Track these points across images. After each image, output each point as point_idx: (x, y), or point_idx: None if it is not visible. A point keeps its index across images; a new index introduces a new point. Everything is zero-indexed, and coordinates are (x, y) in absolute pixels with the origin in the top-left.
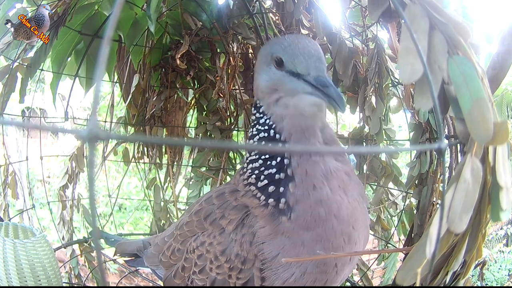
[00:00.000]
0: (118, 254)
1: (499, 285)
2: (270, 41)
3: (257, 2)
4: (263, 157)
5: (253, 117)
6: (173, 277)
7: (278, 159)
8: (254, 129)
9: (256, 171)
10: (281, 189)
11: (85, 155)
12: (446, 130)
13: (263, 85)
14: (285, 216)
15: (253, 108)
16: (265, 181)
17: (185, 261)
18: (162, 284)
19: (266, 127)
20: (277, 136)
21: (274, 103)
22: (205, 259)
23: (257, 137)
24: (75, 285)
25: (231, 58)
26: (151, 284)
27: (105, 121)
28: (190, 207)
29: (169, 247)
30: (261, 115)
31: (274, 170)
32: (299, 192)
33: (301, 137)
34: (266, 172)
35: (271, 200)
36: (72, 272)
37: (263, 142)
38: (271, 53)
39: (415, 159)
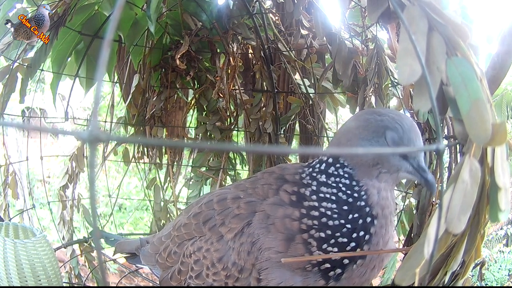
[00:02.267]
0: (117, 253)
1: (499, 285)
2: (381, 113)
3: (257, 2)
4: (343, 230)
5: (333, 170)
6: (170, 279)
7: (362, 233)
8: (328, 188)
9: (329, 234)
10: (346, 260)
11: (85, 155)
12: (445, 130)
13: (368, 156)
14: (324, 281)
15: (332, 163)
16: (335, 249)
17: (181, 264)
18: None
19: (356, 195)
20: (367, 209)
21: (375, 176)
22: (202, 265)
23: (332, 195)
24: (75, 285)
25: (231, 58)
26: (151, 284)
27: (105, 121)
28: (188, 207)
29: (166, 248)
30: (350, 180)
31: (350, 247)
32: (358, 269)
33: (386, 214)
34: (340, 240)
35: (326, 264)
36: (72, 272)
37: (331, 206)
38: (386, 127)
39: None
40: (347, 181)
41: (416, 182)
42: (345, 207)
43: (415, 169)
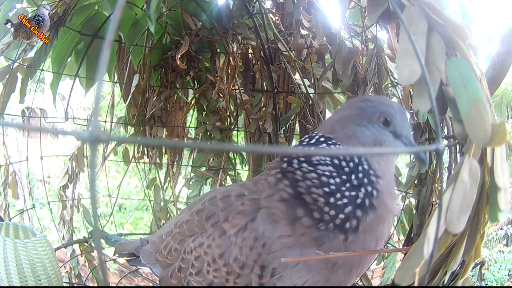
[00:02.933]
0: (117, 254)
1: (499, 285)
2: (372, 100)
3: (257, 2)
4: (347, 185)
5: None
6: (170, 277)
7: (369, 188)
8: (320, 160)
9: (333, 188)
10: (358, 212)
11: (85, 155)
12: (445, 130)
13: (366, 139)
14: (343, 235)
15: (323, 141)
16: (344, 200)
17: (182, 261)
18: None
19: (356, 160)
20: (371, 171)
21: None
22: (203, 261)
23: (338, 178)
24: (75, 285)
25: (231, 58)
26: (151, 284)
27: (105, 121)
28: (191, 205)
29: (166, 246)
30: (352, 161)
31: (360, 199)
32: (372, 222)
33: (391, 183)
34: (347, 194)
35: (340, 216)
36: (72, 272)
37: (344, 185)
38: (380, 112)
39: (414, 160)
40: (355, 164)
41: (415, 182)
42: (347, 169)
43: (407, 146)
